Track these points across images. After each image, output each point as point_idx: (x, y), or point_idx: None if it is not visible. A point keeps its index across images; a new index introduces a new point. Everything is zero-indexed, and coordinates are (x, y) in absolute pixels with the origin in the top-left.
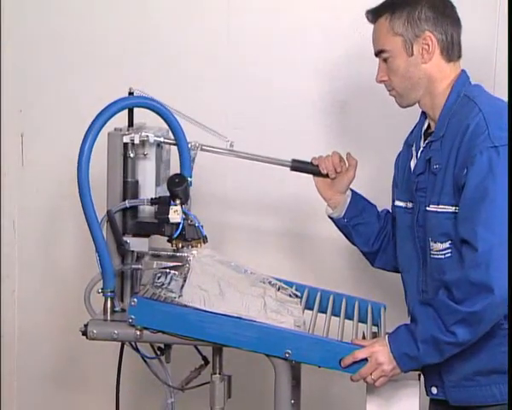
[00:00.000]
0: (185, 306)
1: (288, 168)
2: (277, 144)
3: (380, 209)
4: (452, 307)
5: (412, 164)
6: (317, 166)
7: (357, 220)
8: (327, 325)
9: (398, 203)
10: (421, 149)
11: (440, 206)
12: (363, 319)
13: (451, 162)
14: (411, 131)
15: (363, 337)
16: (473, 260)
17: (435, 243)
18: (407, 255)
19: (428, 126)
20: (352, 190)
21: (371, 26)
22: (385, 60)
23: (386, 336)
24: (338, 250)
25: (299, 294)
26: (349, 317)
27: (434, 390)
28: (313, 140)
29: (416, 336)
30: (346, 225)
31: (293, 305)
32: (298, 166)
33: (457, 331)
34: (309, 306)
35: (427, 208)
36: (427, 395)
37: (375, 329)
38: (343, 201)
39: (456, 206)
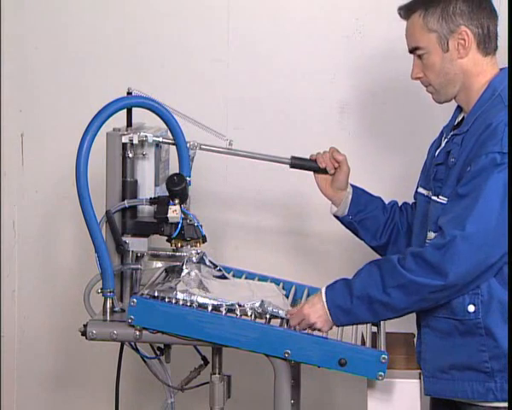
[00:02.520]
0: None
1: (288, 166)
2: (277, 145)
3: (387, 201)
4: (398, 270)
5: (436, 153)
6: (316, 161)
7: (361, 216)
8: None
9: (420, 190)
10: (447, 140)
11: (440, 197)
12: None
13: (463, 158)
14: (448, 122)
15: (363, 339)
16: (436, 244)
17: (429, 231)
18: (419, 244)
19: (462, 119)
20: (353, 186)
21: (371, 27)
22: (419, 56)
23: (324, 288)
24: (338, 248)
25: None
26: None
27: None
28: (313, 141)
29: (352, 289)
30: (351, 222)
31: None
32: (297, 163)
33: (393, 294)
34: None
35: (433, 198)
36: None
37: (374, 329)
38: (345, 197)
39: None
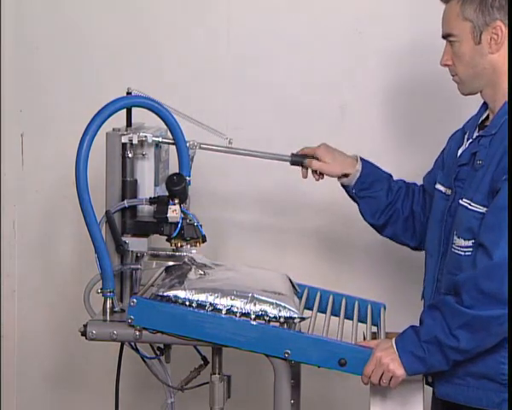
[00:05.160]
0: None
1: (288, 165)
2: (278, 145)
3: (396, 179)
4: (459, 309)
5: (459, 152)
6: (313, 155)
7: (365, 193)
8: (326, 325)
9: (438, 187)
10: (471, 140)
11: (472, 203)
12: (362, 319)
13: (494, 163)
14: (470, 119)
15: (364, 338)
16: (487, 269)
17: (459, 238)
18: (433, 240)
19: (486, 118)
20: (363, 162)
21: (371, 27)
22: (451, 44)
23: (393, 339)
24: (339, 246)
25: None
26: (349, 317)
27: (430, 379)
28: (314, 141)
29: (420, 336)
30: (353, 196)
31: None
32: (298, 160)
33: (461, 336)
34: (309, 305)
35: (460, 201)
36: (426, 383)
37: (374, 329)
38: (354, 173)
39: (487, 207)
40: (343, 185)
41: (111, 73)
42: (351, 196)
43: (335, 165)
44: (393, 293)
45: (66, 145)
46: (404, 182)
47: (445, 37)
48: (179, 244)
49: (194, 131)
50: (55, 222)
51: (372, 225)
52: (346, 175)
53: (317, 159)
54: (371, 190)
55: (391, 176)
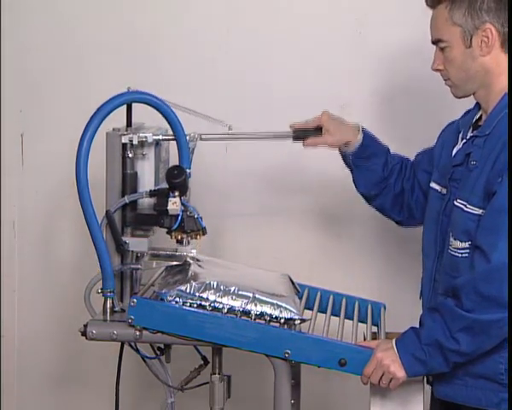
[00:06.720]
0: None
1: (287, 160)
2: (277, 144)
3: (393, 153)
4: (459, 313)
5: (454, 152)
6: (317, 126)
7: (362, 163)
8: (326, 325)
9: (433, 185)
10: (465, 140)
11: (468, 205)
12: (362, 319)
13: (489, 164)
14: (463, 115)
15: (364, 338)
16: (485, 272)
17: (455, 239)
18: (429, 240)
19: (480, 118)
20: (364, 133)
21: (371, 27)
22: (442, 49)
23: (394, 340)
24: (339, 248)
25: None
26: (349, 317)
27: (430, 378)
28: None
29: (421, 338)
30: (350, 163)
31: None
32: (300, 135)
33: (461, 339)
34: (309, 306)
35: (455, 202)
36: (427, 382)
37: (374, 329)
38: (355, 140)
39: (483, 209)
40: (340, 151)
41: (111, 73)
42: (346, 163)
43: (339, 135)
44: (393, 293)
45: (66, 145)
46: (400, 158)
47: (434, 42)
48: (179, 237)
49: (194, 126)
50: (55, 222)
51: (363, 194)
52: (346, 143)
53: (321, 129)
54: (369, 162)
55: (389, 150)
